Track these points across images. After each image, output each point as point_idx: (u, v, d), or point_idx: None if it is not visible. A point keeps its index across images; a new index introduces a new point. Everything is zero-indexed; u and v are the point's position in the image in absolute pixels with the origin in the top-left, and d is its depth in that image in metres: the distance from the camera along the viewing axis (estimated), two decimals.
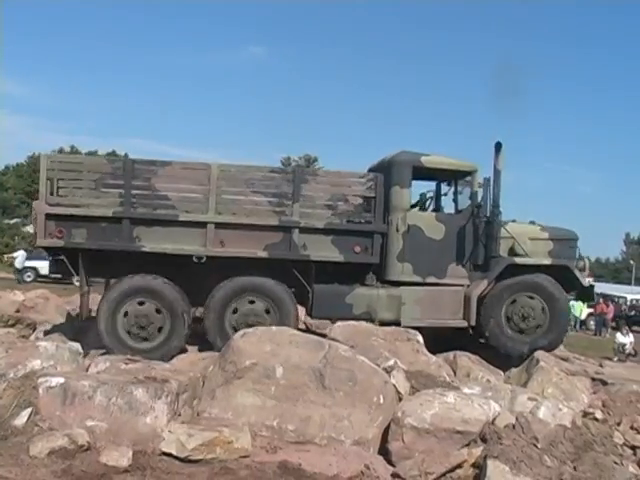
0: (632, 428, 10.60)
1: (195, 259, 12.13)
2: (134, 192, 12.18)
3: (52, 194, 12.12)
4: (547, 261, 13.33)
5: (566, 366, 12.55)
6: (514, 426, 8.80)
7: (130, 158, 12.53)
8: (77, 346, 11.28)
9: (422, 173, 13.39)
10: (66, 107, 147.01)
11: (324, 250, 12.52)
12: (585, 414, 10.77)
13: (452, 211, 13.98)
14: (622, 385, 12.42)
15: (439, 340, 12.94)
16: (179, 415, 8.49)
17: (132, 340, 12.04)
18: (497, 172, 12.98)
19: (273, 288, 12.42)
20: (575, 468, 8.32)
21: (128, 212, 12.10)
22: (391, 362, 9.82)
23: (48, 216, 12.04)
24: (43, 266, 46.26)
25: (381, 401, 8.72)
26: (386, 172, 12.95)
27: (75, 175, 12.37)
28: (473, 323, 12.98)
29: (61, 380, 8.38)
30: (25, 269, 45.76)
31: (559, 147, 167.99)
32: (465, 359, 12.11)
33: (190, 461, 7.82)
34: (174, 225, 12.18)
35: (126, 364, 9.78)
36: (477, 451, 8.27)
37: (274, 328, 9.97)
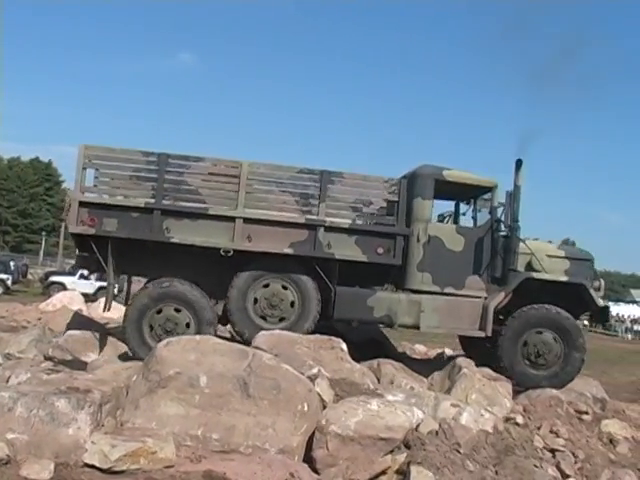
0: (551, 432, 10.82)
1: (222, 252, 12.42)
2: (166, 185, 12.52)
3: (86, 183, 12.42)
4: (564, 278, 13.51)
5: (488, 372, 12.71)
6: (437, 432, 8.90)
7: (164, 152, 12.69)
8: None
9: (444, 186, 13.55)
10: None
11: (348, 249, 12.86)
12: (507, 419, 10.94)
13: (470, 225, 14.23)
14: (542, 390, 12.67)
15: (363, 349, 13.05)
16: (102, 426, 8.34)
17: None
18: (517, 188, 13.29)
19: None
20: (497, 472, 8.48)
21: (159, 204, 12.40)
22: (315, 370, 9.82)
23: (81, 204, 12.28)
24: None
25: (305, 409, 8.72)
26: (409, 184, 13.18)
27: (110, 165, 12.61)
28: (489, 334, 13.17)
29: None
30: None
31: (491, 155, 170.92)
32: (389, 367, 12.19)
33: (113, 472, 7.68)
34: (203, 218, 12.54)
35: (48, 374, 9.62)
36: (401, 457, 8.34)
37: (197, 337, 9.92)
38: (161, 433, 8.32)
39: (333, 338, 11.68)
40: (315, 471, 8.34)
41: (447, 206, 15.11)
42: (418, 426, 8.88)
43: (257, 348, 10.16)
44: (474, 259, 13.42)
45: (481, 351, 13.88)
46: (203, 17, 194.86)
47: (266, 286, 12.85)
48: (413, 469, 7.75)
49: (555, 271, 13.66)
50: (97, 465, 7.71)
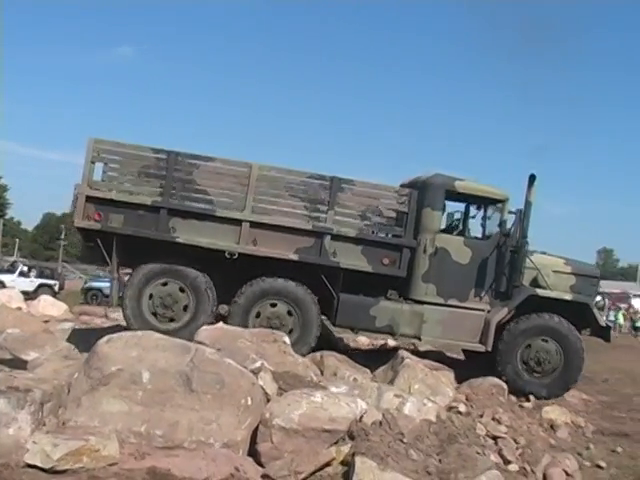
0: (493, 419, 11.01)
1: (227, 255, 12.49)
2: (174, 184, 12.52)
3: (94, 178, 12.41)
4: (568, 296, 13.61)
5: (430, 362, 12.83)
6: (381, 423, 8.95)
7: (174, 150, 12.68)
8: None
9: (454, 197, 13.71)
10: None
11: (353, 259, 12.91)
12: (449, 408, 11.08)
13: (479, 234, 14.21)
14: (484, 379, 12.83)
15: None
16: (44, 425, 8.22)
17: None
18: (528, 204, 13.27)
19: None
20: (440, 460, 8.57)
21: (166, 202, 12.43)
22: (258, 364, 9.80)
23: (88, 198, 12.28)
24: None
25: (249, 403, 8.70)
26: (419, 192, 13.18)
27: (118, 161, 12.59)
28: (490, 349, 13.27)
29: None
30: None
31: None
32: (332, 359, 12.23)
33: (56, 472, 7.59)
34: (210, 220, 12.56)
35: None
36: (345, 448, 8.37)
37: (139, 333, 9.83)
38: (104, 431, 8.23)
39: (276, 331, 11.68)
40: (260, 464, 8.34)
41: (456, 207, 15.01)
42: (362, 417, 8.92)
43: (200, 343, 10.11)
44: (480, 272, 13.49)
45: (484, 359, 13.97)
46: (140, 10, 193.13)
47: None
48: (357, 459, 7.78)
49: (560, 287, 13.76)
50: (39, 465, 7.60)
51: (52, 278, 46.57)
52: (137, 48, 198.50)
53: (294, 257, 12.76)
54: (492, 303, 13.49)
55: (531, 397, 13.22)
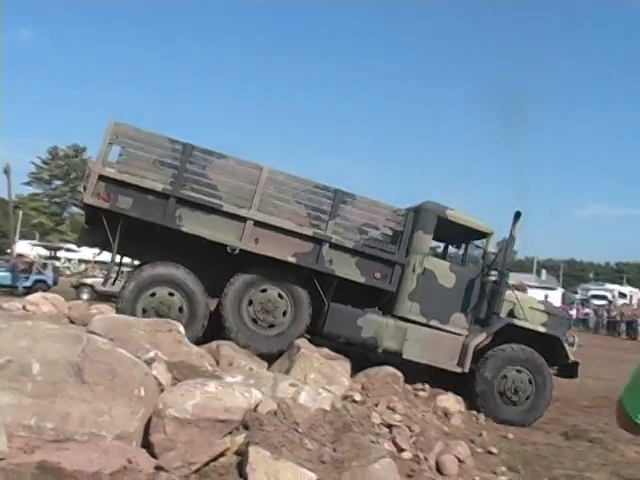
0: (388, 408, 11.17)
1: (229, 250, 12.77)
2: (186, 175, 12.76)
3: (109, 158, 12.59)
4: (542, 329, 14.26)
5: (327, 352, 12.94)
6: (275, 412, 8.93)
7: (190, 143, 12.92)
8: None
9: (444, 224, 14.12)
10: None
11: (348, 269, 13.46)
12: (345, 397, 11.16)
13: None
14: (380, 368, 13.02)
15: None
16: None
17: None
18: (512, 238, 13.98)
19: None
20: (334, 449, 8.60)
21: (177, 191, 12.61)
22: (152, 354, 9.70)
23: (101, 177, 12.44)
24: None
25: (142, 394, 8.58)
26: (413, 217, 13.81)
27: (136, 146, 12.73)
28: (467, 370, 13.78)
29: None
30: None
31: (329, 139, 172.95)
32: (228, 348, 12.24)
33: None
34: (216, 213, 12.86)
35: None
36: (240, 439, 8.32)
37: (29, 322, 9.63)
38: None
39: (170, 321, 11.65)
40: (153, 456, 8.21)
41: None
42: (256, 407, 8.91)
43: (92, 333, 9.94)
44: (462, 298, 14.15)
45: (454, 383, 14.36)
46: None
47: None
48: (251, 449, 7.75)
49: (534, 322, 14.41)
50: None
51: None
52: (35, 30, 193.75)
53: (292, 260, 13.21)
54: (471, 329, 14.14)
55: (426, 386, 13.48)
